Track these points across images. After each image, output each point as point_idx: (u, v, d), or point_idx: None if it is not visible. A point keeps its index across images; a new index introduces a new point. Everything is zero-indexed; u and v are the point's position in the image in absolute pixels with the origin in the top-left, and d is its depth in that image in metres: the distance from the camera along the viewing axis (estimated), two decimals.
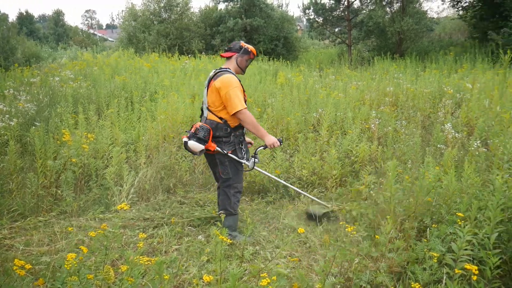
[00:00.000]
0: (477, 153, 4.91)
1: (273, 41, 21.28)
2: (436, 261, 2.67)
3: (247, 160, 3.98)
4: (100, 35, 49.69)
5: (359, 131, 6.12)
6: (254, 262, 3.55)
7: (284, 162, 5.48)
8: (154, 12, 21.70)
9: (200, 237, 4.04)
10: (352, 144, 5.68)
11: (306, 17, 22.03)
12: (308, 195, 4.66)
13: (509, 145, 3.96)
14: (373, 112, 6.82)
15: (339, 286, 2.97)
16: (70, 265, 2.19)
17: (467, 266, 2.39)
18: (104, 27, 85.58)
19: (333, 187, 5.18)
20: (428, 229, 3.23)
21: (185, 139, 3.81)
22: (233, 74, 3.93)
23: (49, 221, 4.23)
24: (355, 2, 21.03)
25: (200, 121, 4.03)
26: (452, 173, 3.61)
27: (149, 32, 20.68)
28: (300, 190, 4.69)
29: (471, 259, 2.76)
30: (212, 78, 3.90)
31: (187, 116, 6.45)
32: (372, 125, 6.41)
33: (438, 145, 5.58)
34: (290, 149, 6.17)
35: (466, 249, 2.65)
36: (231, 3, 22.15)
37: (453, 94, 7.97)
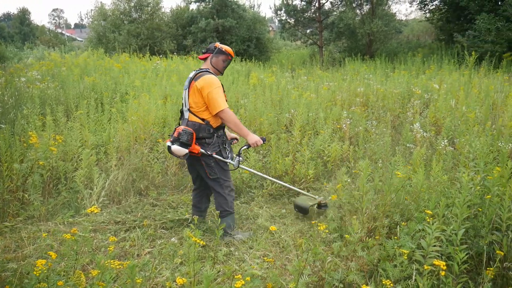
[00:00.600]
0: (444, 151, 5.05)
1: (245, 42, 21.32)
2: (406, 258, 2.73)
3: (232, 159, 4.01)
4: (68, 34, 48.50)
5: (331, 131, 6.19)
6: (228, 263, 3.55)
7: (258, 162, 5.49)
8: (124, 12, 21.39)
9: (173, 239, 4.00)
10: (324, 144, 5.75)
11: (278, 18, 22.18)
12: (297, 189, 4.71)
13: (474, 143, 4.09)
14: (345, 112, 6.92)
15: (312, 286, 3.00)
16: (39, 272, 2.13)
17: (436, 262, 2.45)
18: (72, 26, 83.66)
19: (305, 188, 5.23)
20: (398, 226, 3.29)
21: (168, 143, 3.76)
22: (213, 74, 3.92)
23: (15, 226, 4.10)
24: (326, 4, 21.32)
25: (180, 123, 3.99)
26: (421, 171, 3.70)
27: (119, 32, 20.36)
28: (288, 185, 4.75)
29: (440, 255, 2.84)
30: (193, 79, 3.87)
31: (159, 117, 6.37)
32: (344, 125, 6.51)
33: (408, 144, 5.71)
34: (263, 150, 6.19)
35: (434, 246, 2.72)
36: (203, 4, 22.06)
37: (421, 95, 8.18)
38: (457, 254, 2.71)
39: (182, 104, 3.99)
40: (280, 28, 25.54)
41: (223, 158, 3.92)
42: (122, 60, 12.90)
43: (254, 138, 3.93)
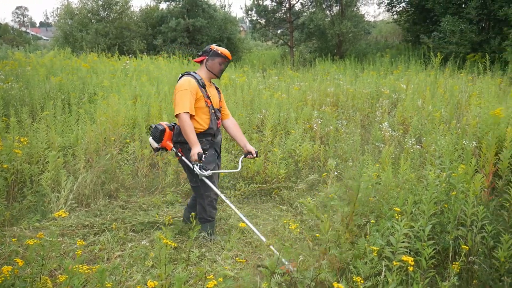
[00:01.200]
0: (412, 150, 5.17)
1: (216, 42, 21.20)
2: (376, 254, 2.78)
3: (204, 169, 3.67)
4: (33, 33, 47.07)
5: (302, 131, 6.24)
6: (200, 264, 3.52)
7: (229, 163, 5.48)
8: (92, 11, 20.96)
9: (144, 241, 3.94)
10: (295, 144, 5.79)
11: (249, 19, 22.20)
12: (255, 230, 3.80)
13: (440, 142, 4.21)
14: (315, 112, 6.99)
15: (284, 285, 3.01)
16: (3, 278, 2.06)
17: (404, 258, 2.51)
18: (37, 25, 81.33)
19: (277, 188, 5.25)
20: (367, 224, 3.35)
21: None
22: (193, 77, 3.79)
23: None
24: (296, 5, 21.48)
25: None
26: (389, 170, 3.78)
27: (87, 31, 19.94)
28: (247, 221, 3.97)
29: (408, 251, 2.91)
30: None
31: (129, 118, 6.27)
32: (314, 125, 6.57)
33: (377, 143, 5.82)
34: (235, 150, 6.18)
35: (403, 242, 2.79)
36: (173, 3, 21.86)
37: (389, 95, 8.35)
38: (424, 249, 2.78)
39: None
40: (251, 28, 25.58)
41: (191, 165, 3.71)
42: (90, 60, 12.62)
43: (194, 151, 3.61)
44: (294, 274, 3.65)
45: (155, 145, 3.81)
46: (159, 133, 3.76)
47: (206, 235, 3.98)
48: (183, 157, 3.81)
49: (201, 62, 3.94)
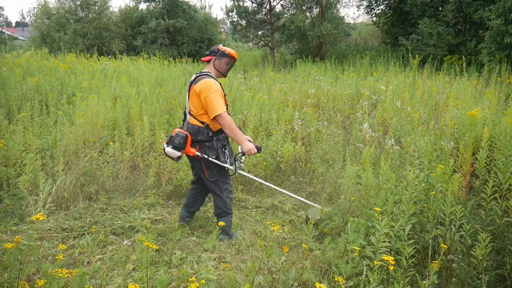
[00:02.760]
0: (391, 150, 5.24)
1: (197, 43, 21.18)
2: (357, 254, 2.81)
3: (231, 164, 3.97)
4: (8, 33, 45.81)
5: (284, 132, 6.26)
6: (182, 267, 3.50)
7: None
8: (70, 10, 20.62)
9: (125, 242, 3.89)
10: (277, 145, 5.80)
11: (230, 20, 22.16)
12: (300, 198, 4.53)
13: (419, 142, 4.28)
14: (296, 113, 7.02)
15: (267, 285, 3.02)
16: None
17: (385, 257, 2.54)
18: (13, 24, 79.39)
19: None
20: (348, 224, 3.38)
21: (164, 144, 3.84)
22: (213, 78, 3.89)
23: None
24: (276, 6, 21.55)
25: (183, 126, 4.04)
26: (369, 170, 3.83)
27: (64, 32, 19.61)
28: (291, 193, 4.51)
29: (389, 250, 2.95)
30: (193, 82, 3.88)
31: (109, 120, 6.19)
32: (296, 126, 6.60)
33: (357, 144, 5.88)
34: None
35: (384, 241, 2.82)
36: (153, 4, 21.68)
37: (369, 96, 8.45)
38: (405, 249, 2.82)
39: (185, 106, 4.02)
40: (232, 30, 25.56)
41: (221, 162, 3.91)
42: (68, 61, 12.41)
43: (248, 146, 3.87)
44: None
45: (177, 154, 3.78)
46: (183, 140, 3.77)
47: (228, 231, 4.07)
48: (204, 155, 3.86)
49: (208, 61, 4.04)
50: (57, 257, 2.44)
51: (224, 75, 4.07)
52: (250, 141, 3.95)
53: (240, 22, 21.78)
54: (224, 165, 3.92)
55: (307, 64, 14.37)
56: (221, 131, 3.95)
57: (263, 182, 4.47)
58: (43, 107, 6.75)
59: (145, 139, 5.68)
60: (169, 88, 8.69)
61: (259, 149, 3.91)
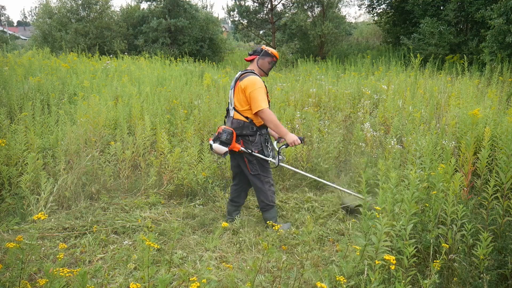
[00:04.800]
0: (393, 150, 5.24)
1: (198, 42, 21.15)
2: (358, 253, 2.80)
3: (273, 157, 4.19)
4: (10, 32, 45.96)
5: None
6: (184, 266, 3.50)
7: (212, 164, 5.46)
8: (71, 10, 20.60)
9: (126, 242, 3.90)
10: (279, 144, 5.79)
11: (231, 19, 22.17)
12: (341, 188, 4.65)
13: (420, 142, 4.27)
14: (298, 112, 7.02)
15: (268, 285, 3.02)
16: None
17: (386, 256, 2.54)
18: (15, 24, 79.47)
19: None
20: (349, 223, 3.38)
21: (210, 141, 4.01)
22: (257, 75, 4.08)
23: None
24: (278, 6, 21.54)
25: (225, 121, 4.25)
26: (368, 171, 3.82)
27: (66, 31, 19.60)
28: (332, 184, 4.66)
29: (390, 249, 2.94)
30: (238, 79, 4.08)
31: (110, 119, 6.19)
32: (297, 125, 6.60)
33: (359, 143, 5.88)
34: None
35: (385, 241, 2.81)
36: (154, 3, 21.66)
37: (371, 95, 8.44)
38: (406, 248, 2.81)
39: (228, 103, 4.20)
40: (233, 29, 25.55)
41: (265, 156, 4.12)
42: (69, 60, 12.42)
43: (292, 137, 4.06)
44: None
45: (224, 150, 3.92)
46: (230, 136, 3.92)
47: (274, 222, 4.17)
48: (248, 150, 4.02)
49: (251, 61, 4.24)
50: (58, 256, 2.44)
51: (266, 74, 4.26)
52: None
53: (241, 21, 21.79)
54: (268, 158, 4.11)
55: (308, 63, 14.36)
56: (263, 126, 4.14)
57: (305, 173, 4.62)
58: (44, 106, 6.76)
59: (146, 138, 5.68)
60: (170, 88, 8.69)
61: (302, 140, 4.10)
